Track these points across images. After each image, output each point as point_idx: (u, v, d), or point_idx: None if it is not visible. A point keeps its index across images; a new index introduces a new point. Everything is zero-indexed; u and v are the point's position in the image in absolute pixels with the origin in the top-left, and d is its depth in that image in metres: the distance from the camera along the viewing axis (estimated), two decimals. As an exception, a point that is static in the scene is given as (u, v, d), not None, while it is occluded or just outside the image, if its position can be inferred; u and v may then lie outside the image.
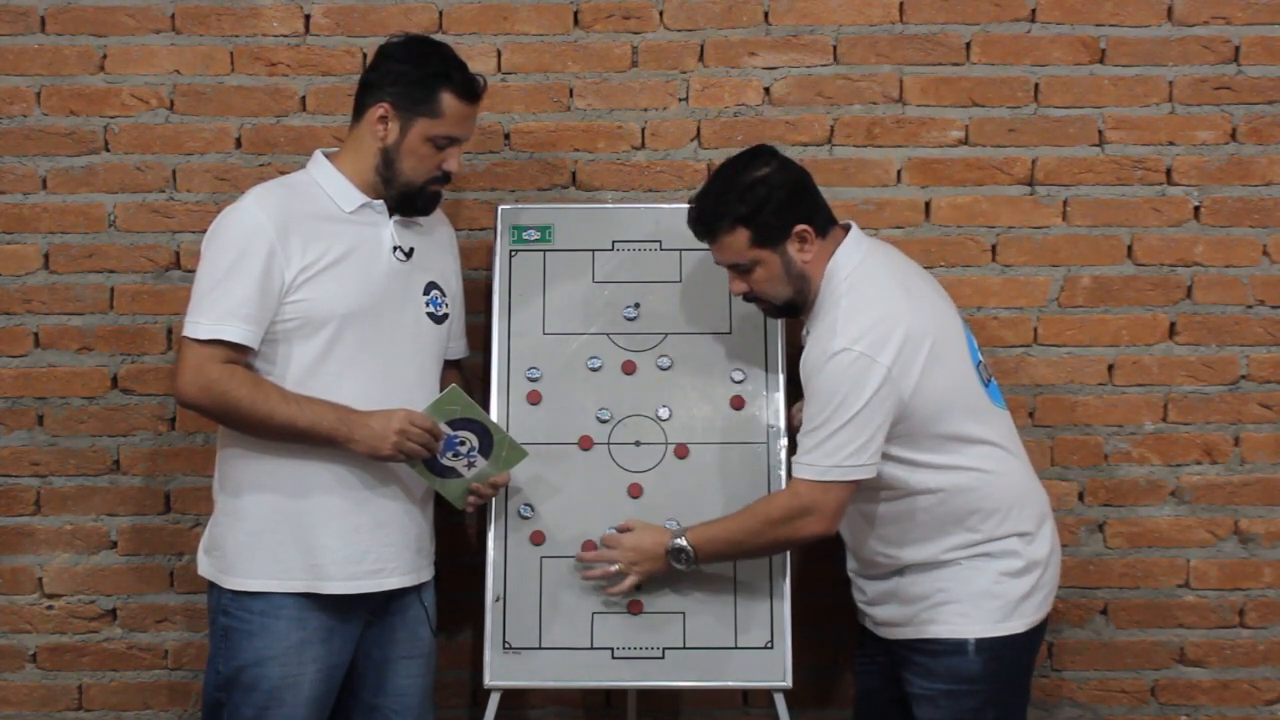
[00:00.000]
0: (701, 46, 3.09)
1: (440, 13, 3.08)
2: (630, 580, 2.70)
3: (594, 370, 2.86)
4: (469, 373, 2.94)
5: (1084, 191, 3.10)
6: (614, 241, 2.92)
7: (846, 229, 2.65)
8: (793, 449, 2.66)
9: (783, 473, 2.79)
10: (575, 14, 3.09)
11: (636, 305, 2.89)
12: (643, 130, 3.10)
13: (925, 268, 2.82)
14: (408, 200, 2.65)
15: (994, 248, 3.11)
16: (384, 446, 2.54)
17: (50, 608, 3.13)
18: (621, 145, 3.10)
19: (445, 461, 2.64)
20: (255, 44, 3.08)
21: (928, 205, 3.10)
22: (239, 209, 2.59)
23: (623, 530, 2.74)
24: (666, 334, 2.88)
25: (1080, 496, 3.12)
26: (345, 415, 2.54)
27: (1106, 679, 3.14)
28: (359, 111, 2.65)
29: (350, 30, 3.08)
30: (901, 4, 3.09)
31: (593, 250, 2.92)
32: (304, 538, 2.58)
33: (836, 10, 3.09)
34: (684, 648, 2.75)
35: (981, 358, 2.69)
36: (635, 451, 2.83)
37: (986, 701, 2.59)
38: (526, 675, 2.76)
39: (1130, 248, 3.11)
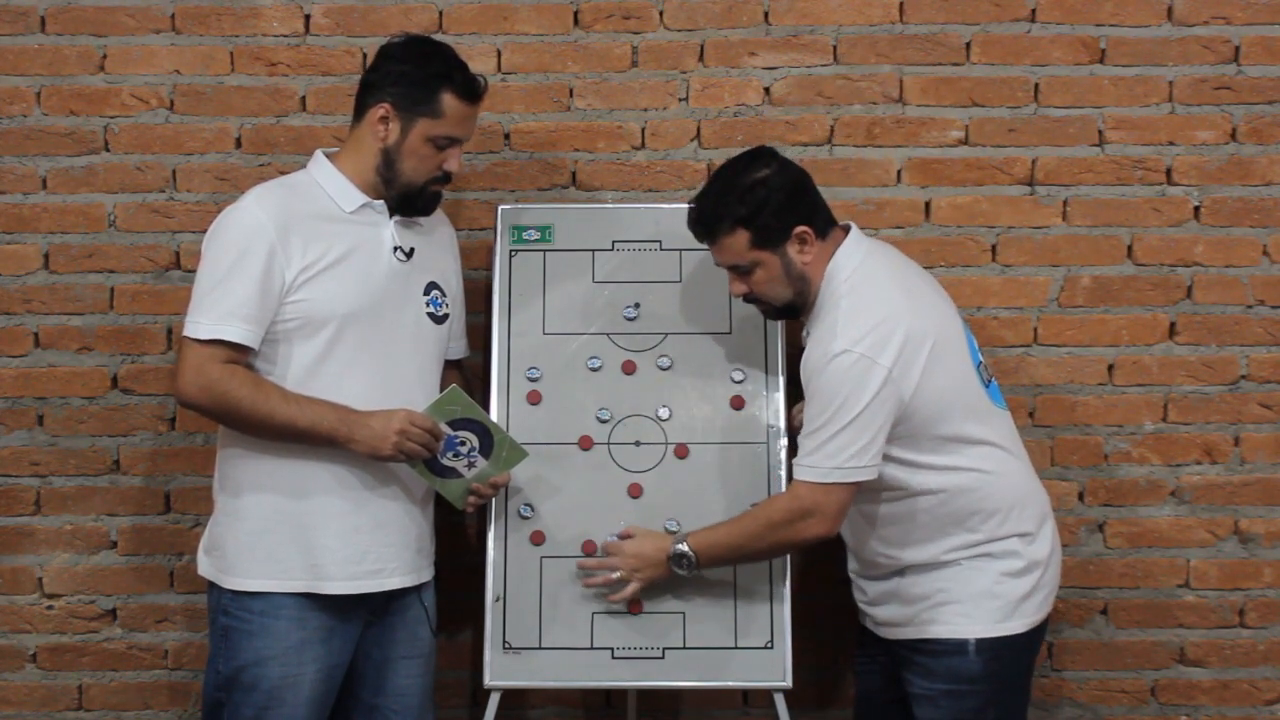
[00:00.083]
0: (701, 46, 3.09)
1: (440, 13, 3.08)
2: (632, 587, 2.69)
3: (594, 370, 2.86)
4: (469, 373, 2.94)
5: (1084, 191, 3.10)
6: (614, 241, 2.92)
7: (846, 230, 2.65)
8: (793, 450, 2.66)
9: (783, 473, 2.79)
10: (575, 14, 3.09)
11: (636, 305, 2.89)
12: (643, 130, 3.10)
13: (925, 268, 2.82)
14: (408, 200, 2.65)
15: (994, 248, 3.11)
16: (384, 447, 2.54)
17: (50, 608, 3.13)
18: (621, 145, 3.10)
19: (445, 462, 2.64)
20: (255, 44, 3.08)
21: (928, 205, 3.10)
22: (239, 209, 2.59)
23: (623, 537, 2.74)
24: (666, 334, 2.88)
25: (1080, 496, 3.12)
26: (346, 415, 2.54)
27: (1106, 679, 3.15)
28: (360, 112, 2.65)
29: (350, 30, 3.08)
30: (901, 4, 3.09)
31: (593, 250, 2.92)
32: (304, 538, 2.58)
33: (836, 10, 3.09)
34: (684, 648, 2.75)
35: (982, 358, 2.69)
36: (635, 451, 2.83)
37: (987, 702, 2.59)
38: (526, 675, 2.76)
39: (1130, 248, 3.11)
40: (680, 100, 3.10)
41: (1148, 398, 3.11)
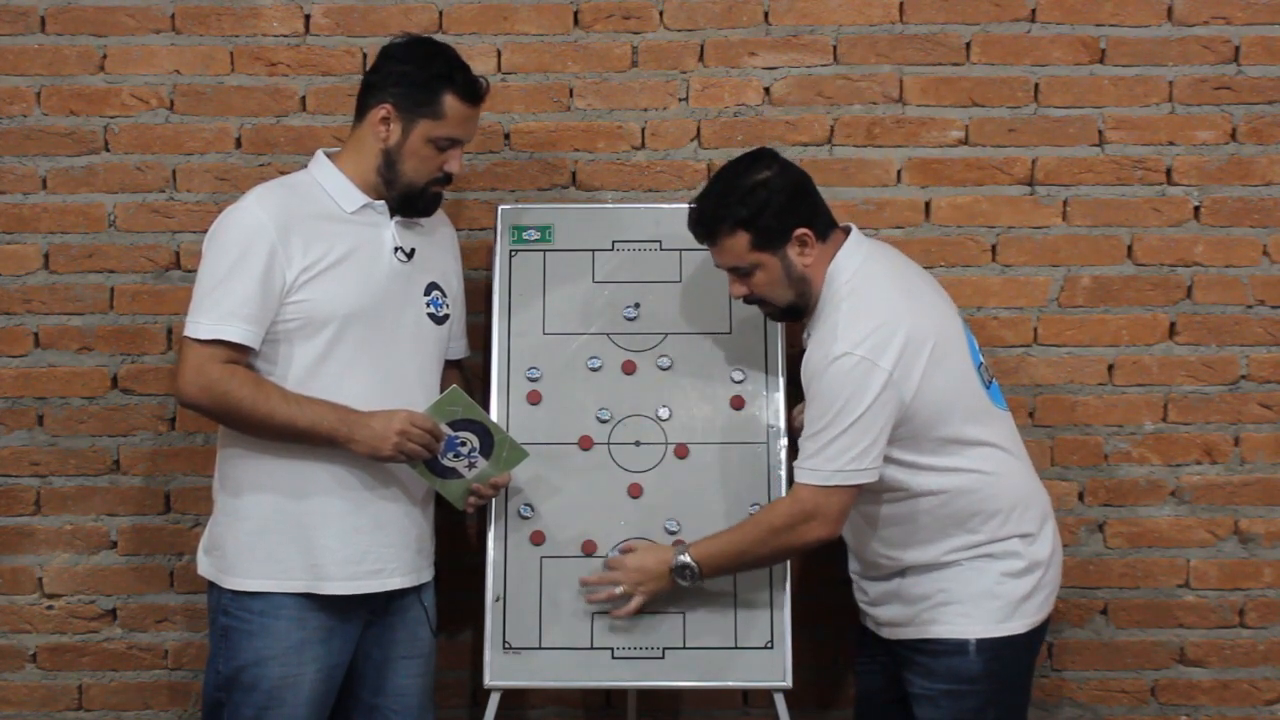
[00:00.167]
0: (701, 46, 3.09)
1: (440, 13, 3.08)
2: (636, 601, 2.69)
3: (594, 370, 2.86)
4: (469, 373, 2.94)
5: (1084, 191, 3.10)
6: (614, 241, 2.92)
7: (847, 232, 2.65)
8: (793, 451, 2.66)
9: (783, 473, 2.79)
10: (575, 14, 3.09)
11: (636, 305, 2.89)
12: (643, 130, 3.10)
13: (925, 268, 2.82)
14: (409, 201, 2.65)
15: (994, 248, 3.11)
16: (385, 447, 2.54)
17: (50, 608, 3.13)
18: (621, 145, 3.10)
19: (446, 462, 2.64)
20: (255, 44, 3.08)
21: (928, 205, 3.10)
22: (240, 209, 2.59)
23: (625, 551, 2.74)
24: (666, 334, 2.88)
25: (1080, 496, 3.13)
26: (346, 416, 2.54)
27: (1106, 679, 3.15)
28: (361, 112, 2.65)
29: (350, 30, 3.08)
30: (901, 4, 3.09)
31: (593, 250, 2.92)
32: (304, 538, 2.58)
33: (836, 10, 3.09)
34: (684, 648, 2.75)
35: (983, 359, 2.69)
36: (635, 451, 2.83)
37: (987, 702, 2.59)
38: (526, 675, 2.76)
39: (1130, 248, 3.11)
40: (680, 100, 3.10)
41: (1148, 398, 3.11)
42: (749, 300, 2.66)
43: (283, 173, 2.92)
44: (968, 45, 3.09)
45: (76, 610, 3.13)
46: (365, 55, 3.06)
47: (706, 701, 3.16)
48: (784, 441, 2.81)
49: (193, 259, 2.99)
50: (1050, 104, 3.09)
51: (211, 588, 2.64)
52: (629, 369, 2.86)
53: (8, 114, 3.08)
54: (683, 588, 2.68)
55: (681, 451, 2.82)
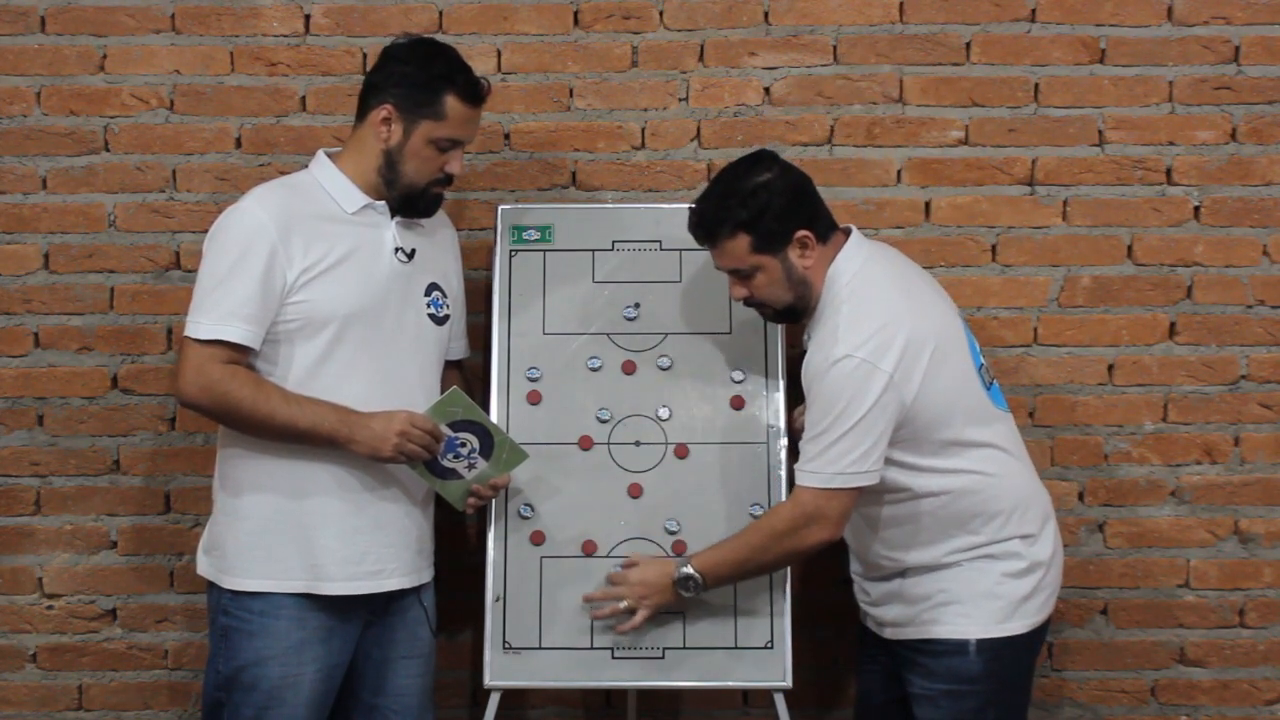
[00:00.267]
0: (701, 46, 3.09)
1: (440, 13, 3.08)
2: (641, 615, 2.69)
3: (594, 370, 2.86)
4: (469, 373, 2.94)
5: (1084, 191, 3.10)
6: (614, 241, 2.92)
7: (847, 233, 2.65)
8: (793, 452, 2.66)
9: (783, 473, 2.79)
10: (575, 14, 3.09)
11: (636, 305, 2.89)
12: (643, 130, 3.10)
13: (925, 268, 2.82)
14: (410, 202, 2.65)
15: (994, 248, 3.11)
16: (385, 448, 2.54)
17: (50, 608, 3.13)
18: (621, 145, 3.10)
19: (446, 463, 2.64)
20: (255, 44, 3.08)
21: (928, 205, 3.10)
22: (240, 209, 2.59)
23: (628, 566, 2.73)
24: (666, 334, 2.88)
25: (1080, 496, 3.13)
26: (346, 416, 2.54)
27: (1106, 679, 3.15)
28: (362, 112, 2.64)
29: (350, 30, 3.08)
30: (901, 4, 3.08)
31: (593, 250, 2.92)
32: (304, 538, 2.58)
33: (836, 10, 3.08)
34: (684, 648, 2.75)
35: (983, 360, 2.69)
36: (635, 451, 2.83)
37: (987, 702, 2.59)
38: (526, 675, 2.76)
39: (1130, 248, 3.11)
40: (680, 100, 3.10)
41: (1148, 398, 3.12)
42: (749, 303, 2.66)
43: (283, 173, 2.92)
44: (968, 45, 3.09)
45: (76, 610, 3.13)
46: (365, 55, 3.06)
47: (706, 702, 3.16)
48: (784, 442, 2.81)
49: (193, 259, 2.99)
50: (1050, 104, 3.09)
51: (211, 588, 2.64)
52: (629, 369, 2.86)
53: (8, 114, 3.08)
54: (685, 598, 2.68)
55: (681, 452, 2.82)
